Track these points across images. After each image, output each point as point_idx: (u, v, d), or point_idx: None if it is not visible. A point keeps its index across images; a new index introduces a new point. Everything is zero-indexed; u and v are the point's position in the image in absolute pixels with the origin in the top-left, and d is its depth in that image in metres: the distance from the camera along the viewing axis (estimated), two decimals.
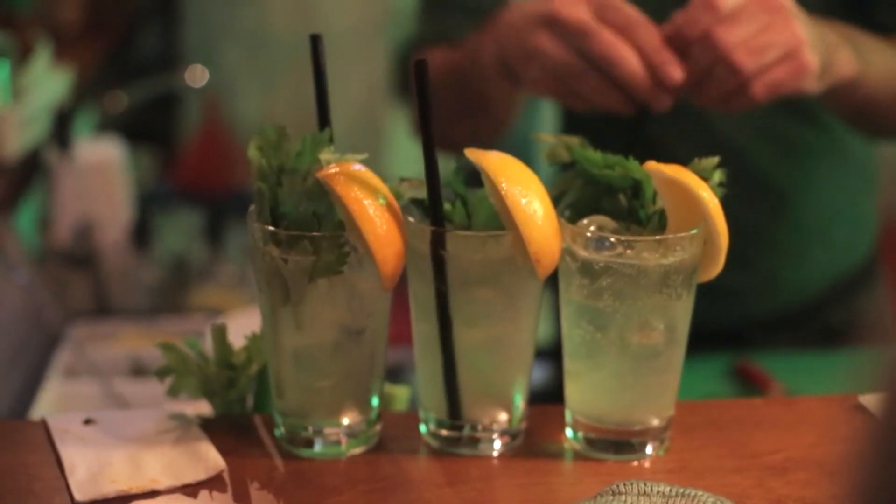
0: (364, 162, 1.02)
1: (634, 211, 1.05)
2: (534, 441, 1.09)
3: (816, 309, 1.93)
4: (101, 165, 2.28)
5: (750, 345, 1.91)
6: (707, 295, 1.83)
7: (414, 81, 1.02)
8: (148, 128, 2.97)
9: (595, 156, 1.05)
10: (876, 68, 1.49)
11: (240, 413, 1.13)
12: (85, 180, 2.24)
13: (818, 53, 1.33)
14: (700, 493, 0.96)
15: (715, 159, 1.06)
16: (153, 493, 1.00)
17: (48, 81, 2.22)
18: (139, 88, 2.81)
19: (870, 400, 1.15)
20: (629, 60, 1.23)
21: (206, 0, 3.05)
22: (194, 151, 2.97)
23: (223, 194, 2.75)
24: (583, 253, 1.03)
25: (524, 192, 1.00)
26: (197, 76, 2.88)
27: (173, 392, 1.11)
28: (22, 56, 2.17)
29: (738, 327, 1.93)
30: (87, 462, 1.03)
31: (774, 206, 1.81)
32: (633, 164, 1.04)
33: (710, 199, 1.03)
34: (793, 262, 1.87)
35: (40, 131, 2.16)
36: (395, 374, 1.52)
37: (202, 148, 2.95)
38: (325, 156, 1.00)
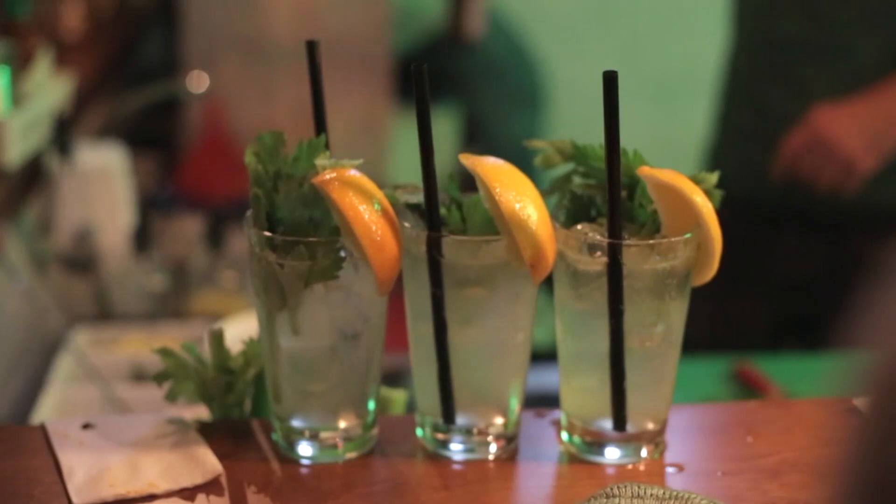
0: (364, 167, 1.02)
1: (630, 211, 1.06)
2: (529, 444, 1.10)
3: None
4: (102, 171, 2.29)
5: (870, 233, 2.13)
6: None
7: (414, 86, 1.02)
8: (149, 133, 2.97)
9: (595, 150, 1.06)
10: None
11: (237, 417, 1.14)
12: (86, 186, 2.25)
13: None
14: (694, 495, 0.97)
15: (714, 175, 1.07)
16: (151, 497, 1.01)
17: (49, 88, 2.23)
18: (140, 94, 2.81)
19: (864, 403, 1.15)
20: None
21: (206, 6, 3.06)
22: (195, 157, 2.98)
23: (224, 200, 2.75)
24: (576, 257, 1.04)
25: (518, 198, 1.01)
26: (198, 82, 2.89)
27: (171, 397, 1.12)
28: (23, 63, 2.18)
29: (870, 208, 2.14)
30: (85, 466, 1.03)
31: None
32: (634, 158, 1.04)
33: (703, 204, 1.03)
34: None
35: (42, 137, 2.17)
36: (393, 379, 1.52)
37: (203, 153, 2.96)
38: (321, 161, 1.01)
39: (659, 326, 1.05)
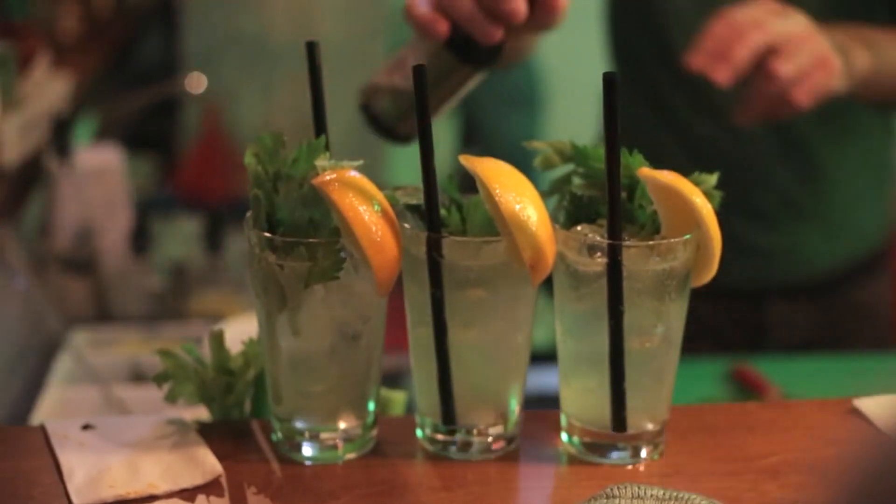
0: (363, 169, 1.02)
1: (629, 212, 1.06)
2: (529, 445, 1.10)
3: (834, 286, 1.98)
4: (101, 172, 2.29)
5: (768, 307, 1.98)
6: (733, 250, 1.94)
7: (413, 87, 1.02)
8: (147, 134, 2.98)
9: (595, 150, 1.06)
10: (889, 56, 1.63)
11: (237, 418, 1.14)
12: (85, 187, 2.25)
13: (839, 56, 1.52)
14: (693, 496, 0.97)
15: (713, 176, 1.07)
16: (151, 498, 1.01)
17: (48, 89, 2.23)
18: (139, 95, 2.82)
19: (865, 404, 1.15)
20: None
21: (205, 7, 3.06)
22: (194, 158, 2.98)
23: (222, 200, 2.76)
24: (576, 258, 1.04)
25: (518, 199, 1.01)
26: (196, 83, 2.89)
27: (171, 398, 1.12)
28: (22, 63, 2.18)
29: (760, 289, 1.99)
30: (85, 467, 1.04)
31: (806, 168, 1.88)
32: (634, 158, 1.04)
33: (703, 205, 1.03)
34: (818, 230, 1.95)
35: (40, 138, 2.17)
36: (393, 380, 1.53)
37: (201, 154, 2.96)
38: (320, 162, 1.01)
39: (658, 327, 1.06)
